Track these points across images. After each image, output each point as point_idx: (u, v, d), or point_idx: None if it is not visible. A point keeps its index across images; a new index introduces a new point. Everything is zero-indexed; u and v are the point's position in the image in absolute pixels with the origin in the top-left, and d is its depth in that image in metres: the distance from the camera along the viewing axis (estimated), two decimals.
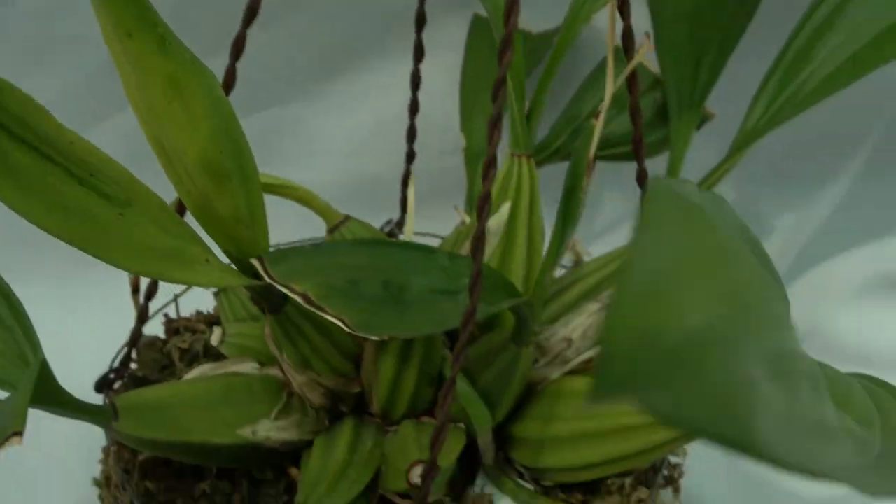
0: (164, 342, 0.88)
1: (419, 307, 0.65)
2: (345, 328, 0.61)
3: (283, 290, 0.63)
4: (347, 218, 0.81)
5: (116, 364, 0.81)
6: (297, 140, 1.13)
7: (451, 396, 0.62)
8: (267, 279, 0.64)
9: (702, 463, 1.02)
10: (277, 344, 0.73)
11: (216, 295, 0.88)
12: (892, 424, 0.52)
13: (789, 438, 0.31)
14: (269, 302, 0.70)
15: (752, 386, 0.31)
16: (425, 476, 0.63)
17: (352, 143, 1.14)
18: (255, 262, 0.65)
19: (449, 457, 0.72)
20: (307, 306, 0.62)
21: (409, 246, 0.69)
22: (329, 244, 0.69)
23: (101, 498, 0.81)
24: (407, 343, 0.73)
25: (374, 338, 0.62)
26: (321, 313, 0.62)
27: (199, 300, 0.92)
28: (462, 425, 0.76)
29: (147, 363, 0.85)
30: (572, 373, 0.78)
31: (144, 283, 0.79)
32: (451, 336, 0.78)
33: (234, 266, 0.66)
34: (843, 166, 1.14)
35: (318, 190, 0.82)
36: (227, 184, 0.62)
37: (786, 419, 0.32)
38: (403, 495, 0.71)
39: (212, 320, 0.90)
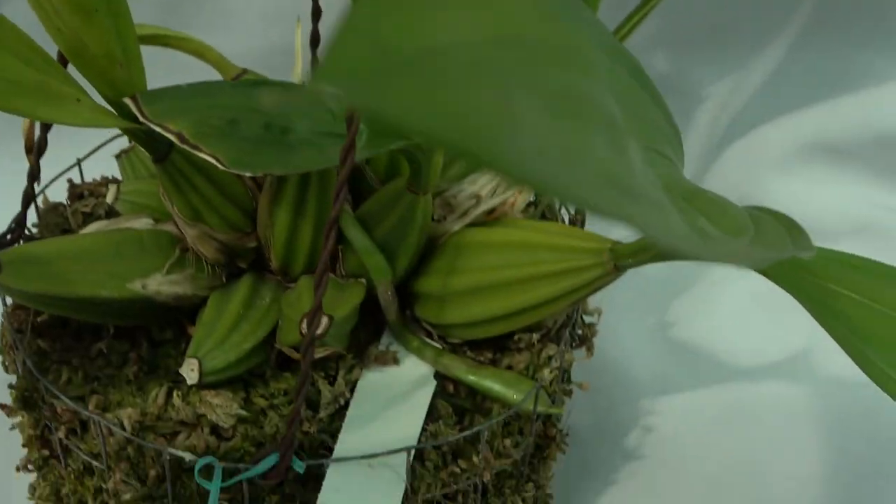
0: (67, 207, 0.86)
1: (302, 149, 0.63)
2: (219, 166, 0.59)
3: (158, 129, 0.61)
4: (245, 71, 0.79)
5: (12, 226, 0.79)
6: (214, 6, 1.10)
7: (334, 236, 0.60)
8: (141, 118, 0.61)
9: (624, 328, 1.02)
10: (168, 196, 0.71)
11: (117, 157, 0.86)
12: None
13: (559, 168, 0.29)
14: (154, 149, 0.68)
15: (508, 108, 0.29)
16: (310, 321, 0.62)
17: (268, 9, 1.11)
18: (128, 101, 0.62)
19: (344, 308, 0.71)
20: (182, 145, 0.60)
21: (294, 88, 0.66)
22: (208, 84, 0.67)
23: (3, 364, 0.79)
24: (301, 195, 0.71)
25: (248, 174, 0.60)
26: (196, 152, 0.60)
27: (107, 168, 0.89)
28: (363, 280, 0.75)
29: (49, 227, 0.83)
30: (474, 225, 0.76)
31: None
32: (355, 197, 0.76)
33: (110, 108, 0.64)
34: (777, 32, 1.12)
35: (235, 57, 0.80)
36: (95, 18, 0.60)
37: (563, 153, 0.30)
38: (299, 349, 0.70)
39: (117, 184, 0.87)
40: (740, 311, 1.08)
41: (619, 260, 0.68)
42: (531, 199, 0.89)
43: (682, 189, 0.47)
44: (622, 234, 0.71)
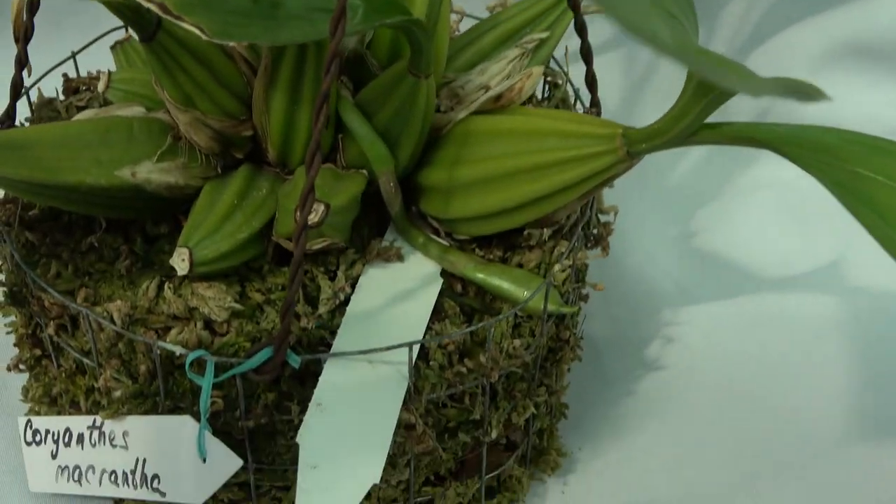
0: (62, 101, 0.83)
1: (292, 23, 0.59)
2: (203, 36, 0.56)
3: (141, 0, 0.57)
4: None
5: (2, 118, 0.76)
6: None
7: (325, 111, 0.56)
8: None
9: (646, 238, 0.98)
10: (158, 80, 0.68)
11: (112, 49, 0.82)
12: None
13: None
14: (140, 27, 0.64)
15: None
16: (301, 203, 0.58)
17: None
18: None
19: (342, 196, 0.68)
20: (164, 15, 0.56)
21: None
22: None
23: None
24: (297, 79, 0.67)
25: (232, 43, 0.56)
26: (179, 23, 0.56)
27: (104, 62, 0.86)
28: (364, 171, 0.72)
29: (42, 122, 0.80)
30: (480, 113, 0.72)
31: None
32: (357, 85, 0.73)
33: None
34: None
35: None
36: None
37: None
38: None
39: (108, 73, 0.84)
40: (767, 222, 1.05)
41: (633, 146, 0.64)
42: (546, 94, 0.86)
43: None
44: (636, 121, 0.68)
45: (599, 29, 0.81)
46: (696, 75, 0.58)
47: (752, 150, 1.08)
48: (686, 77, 0.60)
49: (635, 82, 1.12)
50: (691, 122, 0.62)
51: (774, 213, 1.05)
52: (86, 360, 0.69)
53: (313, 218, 0.63)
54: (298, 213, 0.60)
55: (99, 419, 0.68)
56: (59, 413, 0.74)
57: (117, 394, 0.66)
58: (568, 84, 0.85)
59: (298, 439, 0.63)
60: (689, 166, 1.09)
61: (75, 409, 0.72)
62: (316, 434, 0.63)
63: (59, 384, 0.72)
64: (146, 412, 0.67)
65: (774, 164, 1.07)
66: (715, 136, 0.63)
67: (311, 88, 0.68)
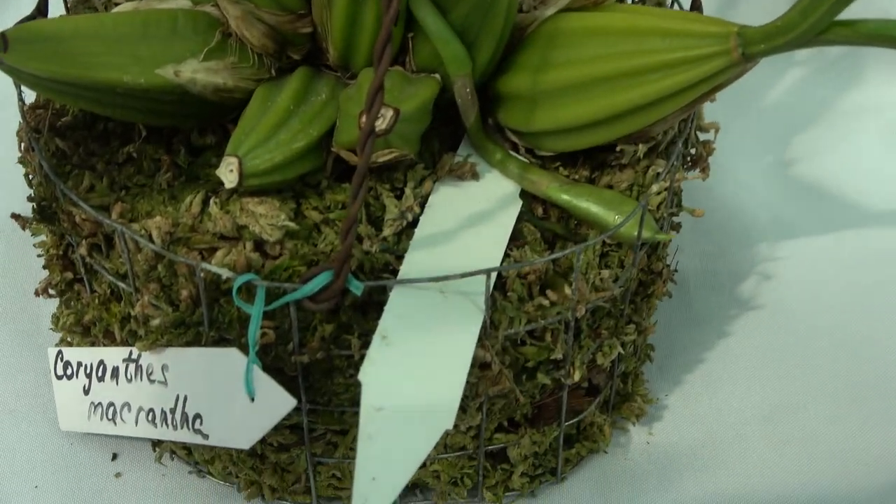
0: None
1: None
2: None
3: None
4: None
5: (33, 13, 0.69)
6: None
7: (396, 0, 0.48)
8: None
9: (740, 164, 0.90)
10: None
11: None
12: None
13: None
14: None
15: None
16: (369, 105, 0.50)
17: None
18: None
19: (413, 101, 0.60)
20: None
21: None
22: None
23: (26, 176, 0.70)
24: None
25: None
26: None
27: None
28: (437, 76, 0.64)
29: None
30: (570, 10, 0.64)
31: None
32: None
33: None
34: None
35: None
36: None
37: None
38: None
39: None
40: (873, 149, 0.96)
41: (749, 47, 0.56)
42: None
43: None
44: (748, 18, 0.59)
45: None
46: None
47: (855, 70, 0.99)
48: None
49: None
50: (821, 17, 0.53)
51: (879, 138, 0.97)
52: (121, 285, 0.62)
53: (380, 124, 0.56)
54: (364, 118, 0.52)
55: (135, 351, 0.62)
56: (92, 344, 0.67)
57: (156, 322, 0.59)
58: None
59: (360, 376, 0.55)
60: (787, 85, 1.01)
61: (109, 339, 0.66)
62: (380, 370, 0.56)
63: (92, 311, 0.65)
64: (188, 343, 0.60)
65: (880, 86, 0.99)
66: (849, 34, 0.54)
67: None
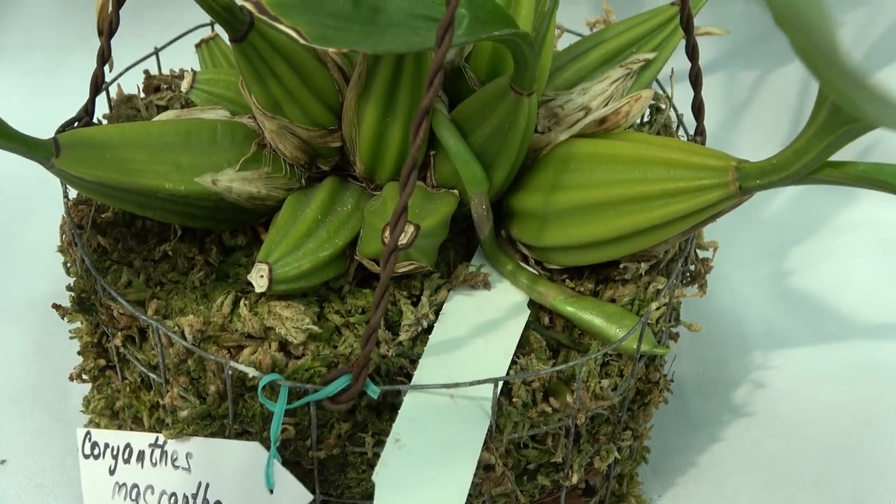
0: (142, 99, 0.80)
1: (393, 30, 0.55)
2: (300, 40, 0.52)
3: None
4: None
5: (80, 114, 0.73)
6: None
7: (425, 128, 0.52)
8: None
9: (737, 275, 0.94)
10: (246, 83, 0.64)
11: (197, 47, 0.79)
12: None
13: None
14: (231, 26, 0.61)
15: None
16: (393, 224, 0.54)
17: None
18: None
19: (433, 218, 0.64)
20: (260, 15, 0.52)
21: None
22: None
23: (65, 266, 0.74)
24: (392, 90, 0.64)
25: (332, 50, 0.53)
26: (276, 24, 0.52)
27: (188, 61, 0.83)
28: (455, 191, 0.68)
29: (120, 120, 0.77)
30: (582, 136, 0.68)
31: None
32: (453, 100, 0.68)
33: None
34: None
35: None
36: None
37: None
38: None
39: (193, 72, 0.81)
40: (865, 263, 0.99)
41: (746, 181, 0.60)
42: (646, 118, 0.81)
43: None
44: (747, 153, 0.63)
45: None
46: (840, 103, 0.54)
47: (850, 189, 1.03)
48: (815, 105, 0.56)
49: (735, 110, 1.07)
50: (814, 158, 0.57)
51: (873, 254, 1.00)
52: (152, 375, 0.65)
53: (402, 239, 0.60)
54: (387, 234, 0.56)
55: (162, 437, 0.65)
56: (119, 427, 0.71)
57: (184, 413, 0.63)
58: (672, 109, 0.81)
59: (374, 478, 0.59)
60: (784, 199, 1.04)
61: (138, 424, 0.69)
62: (393, 471, 0.59)
63: (123, 398, 0.69)
64: (212, 434, 0.64)
65: (875, 203, 1.03)
66: (839, 175, 0.58)
67: (406, 101, 0.64)
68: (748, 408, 0.87)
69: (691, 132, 0.77)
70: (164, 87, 0.81)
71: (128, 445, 0.68)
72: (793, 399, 0.88)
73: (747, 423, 0.85)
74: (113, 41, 0.68)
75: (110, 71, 0.71)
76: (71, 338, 0.74)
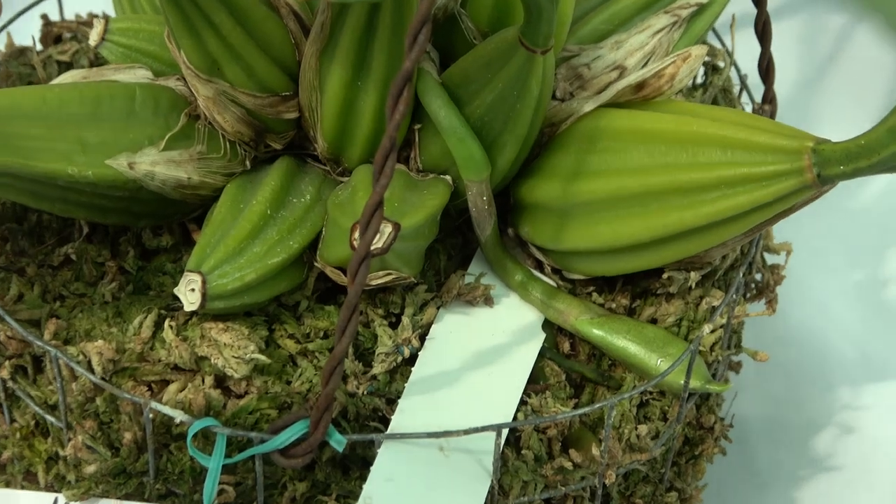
0: (39, 52, 0.81)
1: None
2: None
3: None
4: None
5: None
6: None
7: (407, 97, 0.53)
8: None
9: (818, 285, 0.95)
10: (174, 37, 0.65)
11: None
12: None
13: None
14: None
15: None
16: (363, 226, 0.55)
17: None
18: None
19: (417, 214, 0.64)
20: None
21: None
22: None
23: None
24: (363, 46, 0.64)
25: None
26: None
27: (98, 4, 0.84)
28: (447, 178, 0.68)
29: (9, 80, 0.79)
30: (615, 105, 0.69)
31: None
32: (445, 59, 0.69)
33: None
34: None
35: None
36: None
37: None
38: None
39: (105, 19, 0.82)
40: None
41: (827, 167, 0.60)
42: (698, 81, 0.82)
43: None
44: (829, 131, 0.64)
45: None
46: None
47: None
48: None
49: (816, 70, 1.08)
50: None
51: None
52: (50, 418, 0.66)
53: (377, 242, 0.60)
54: (357, 234, 0.57)
55: (62, 499, 0.66)
56: (7, 485, 0.71)
57: (91, 469, 0.63)
58: (732, 68, 0.82)
59: None
60: (880, 187, 1.05)
61: (30, 481, 0.70)
62: None
63: (11, 446, 0.70)
64: (127, 496, 0.64)
65: None
66: None
67: (382, 59, 0.64)
68: (832, 460, 0.88)
69: (758, 99, 0.77)
70: (68, 36, 0.82)
71: None
72: (890, 449, 0.88)
73: (831, 480, 0.86)
74: None
75: None
76: None
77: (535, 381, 0.68)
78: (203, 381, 0.64)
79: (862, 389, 0.92)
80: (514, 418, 0.65)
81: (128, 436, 0.63)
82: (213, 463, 0.60)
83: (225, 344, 0.64)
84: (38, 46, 0.82)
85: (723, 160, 0.63)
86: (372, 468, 0.61)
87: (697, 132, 0.65)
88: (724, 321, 0.70)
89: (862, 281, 1.00)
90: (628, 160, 0.66)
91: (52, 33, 0.82)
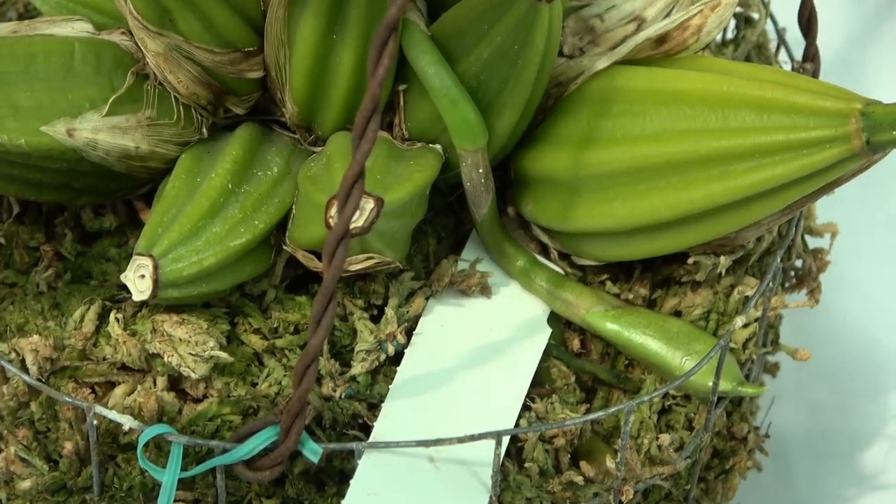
0: None
1: None
2: None
3: None
4: None
5: None
6: None
7: (390, 52, 0.54)
8: None
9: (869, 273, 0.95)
10: None
11: None
12: None
13: None
14: None
15: None
16: (341, 202, 0.56)
17: None
18: None
19: (403, 188, 0.65)
20: None
21: None
22: None
23: None
24: None
25: None
26: None
27: None
28: (437, 147, 0.69)
29: None
30: (631, 62, 0.70)
31: None
32: (434, 5, 0.70)
33: None
34: None
35: None
36: None
37: None
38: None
39: None
40: None
41: (877, 132, 0.61)
42: (730, 35, 0.83)
43: None
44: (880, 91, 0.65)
45: None
46: None
47: None
48: None
49: (865, 22, 1.09)
50: None
51: None
52: None
53: (356, 220, 0.61)
54: (334, 212, 0.58)
55: None
56: None
57: (25, 484, 0.64)
58: (768, 20, 0.83)
59: None
60: None
61: None
62: None
63: None
64: None
65: None
66: None
67: (361, 7, 0.65)
68: (883, 477, 0.88)
69: (798, 57, 0.78)
70: None
71: None
72: None
73: (882, 499, 0.87)
74: None
75: None
76: None
77: (541, 384, 0.69)
78: (155, 382, 0.65)
79: None
80: (517, 425, 0.66)
81: (68, 446, 0.64)
82: (168, 477, 0.61)
83: (180, 339, 0.65)
84: None
85: (757, 125, 0.64)
86: (351, 483, 0.62)
87: (728, 92, 0.65)
88: (758, 314, 0.71)
89: None
90: (648, 125, 0.67)
91: None
